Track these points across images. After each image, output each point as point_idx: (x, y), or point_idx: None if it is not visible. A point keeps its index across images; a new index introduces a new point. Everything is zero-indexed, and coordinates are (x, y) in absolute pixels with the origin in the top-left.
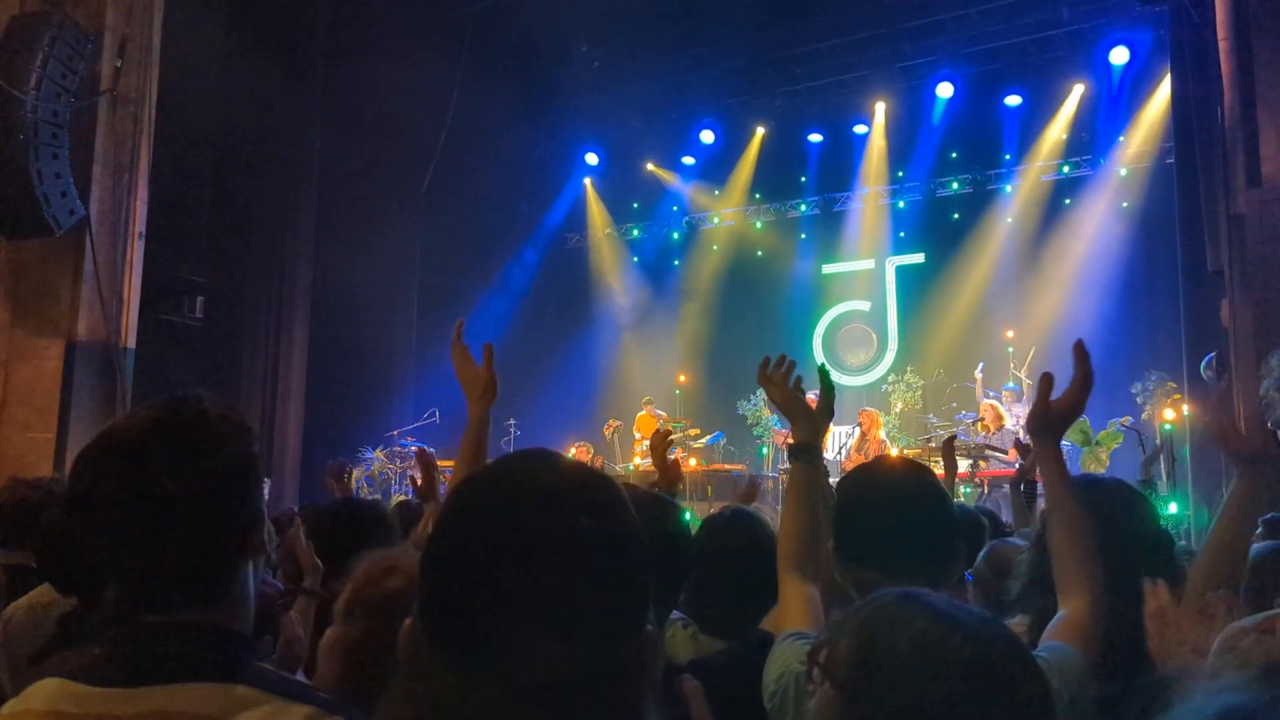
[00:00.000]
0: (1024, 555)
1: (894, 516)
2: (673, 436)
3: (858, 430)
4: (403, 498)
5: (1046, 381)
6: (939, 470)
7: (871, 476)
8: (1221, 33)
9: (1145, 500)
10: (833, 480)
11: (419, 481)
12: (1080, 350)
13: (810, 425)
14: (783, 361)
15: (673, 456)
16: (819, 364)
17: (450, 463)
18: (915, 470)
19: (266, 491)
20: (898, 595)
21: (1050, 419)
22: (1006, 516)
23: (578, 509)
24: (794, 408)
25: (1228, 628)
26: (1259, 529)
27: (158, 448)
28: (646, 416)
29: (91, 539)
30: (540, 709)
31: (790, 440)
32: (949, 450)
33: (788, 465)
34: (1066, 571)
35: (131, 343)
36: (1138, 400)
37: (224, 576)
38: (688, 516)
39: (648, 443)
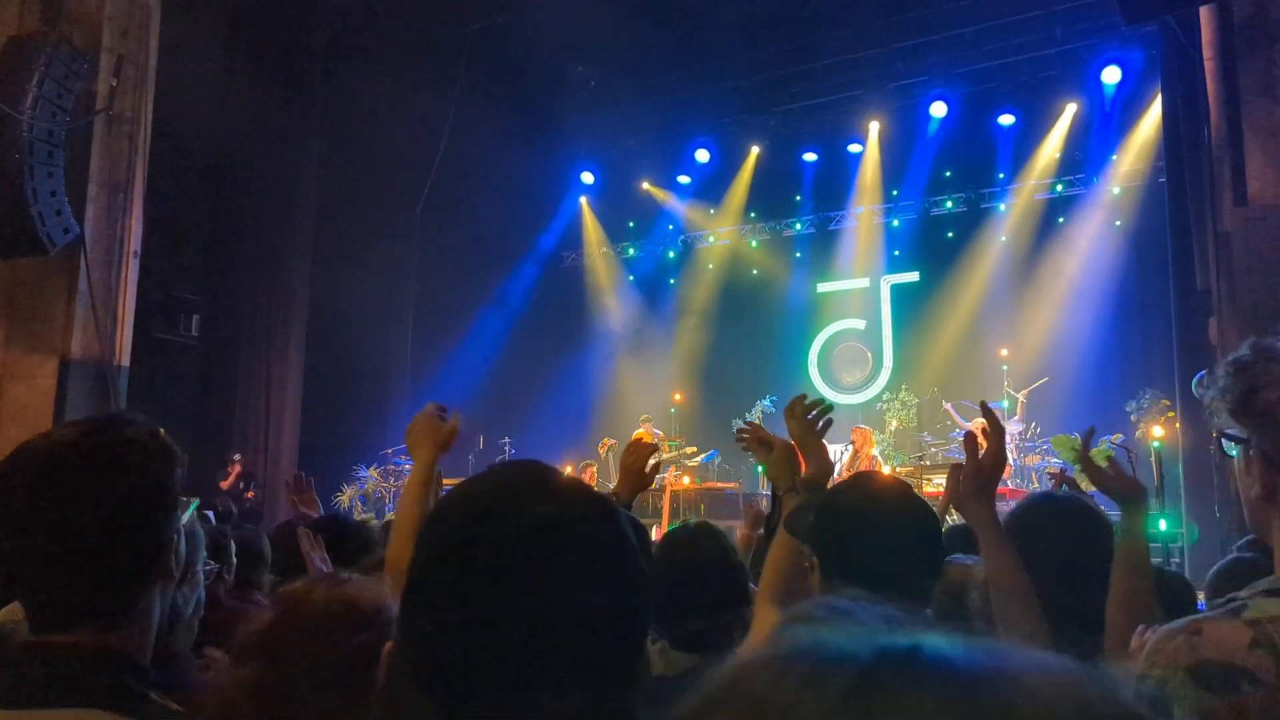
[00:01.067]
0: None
1: (876, 533)
2: (668, 455)
3: (850, 448)
4: (393, 517)
5: (971, 441)
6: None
7: (854, 492)
8: (1208, 53)
9: (1091, 510)
10: None
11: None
12: (984, 408)
13: (821, 466)
14: (817, 406)
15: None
16: (826, 401)
17: (446, 480)
18: (898, 487)
19: (187, 516)
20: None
21: (983, 479)
22: None
23: (578, 543)
24: (810, 444)
25: (1159, 630)
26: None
27: (66, 468)
28: (644, 435)
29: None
30: None
31: (790, 489)
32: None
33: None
34: (1013, 635)
35: (126, 361)
36: (1132, 418)
37: (125, 601)
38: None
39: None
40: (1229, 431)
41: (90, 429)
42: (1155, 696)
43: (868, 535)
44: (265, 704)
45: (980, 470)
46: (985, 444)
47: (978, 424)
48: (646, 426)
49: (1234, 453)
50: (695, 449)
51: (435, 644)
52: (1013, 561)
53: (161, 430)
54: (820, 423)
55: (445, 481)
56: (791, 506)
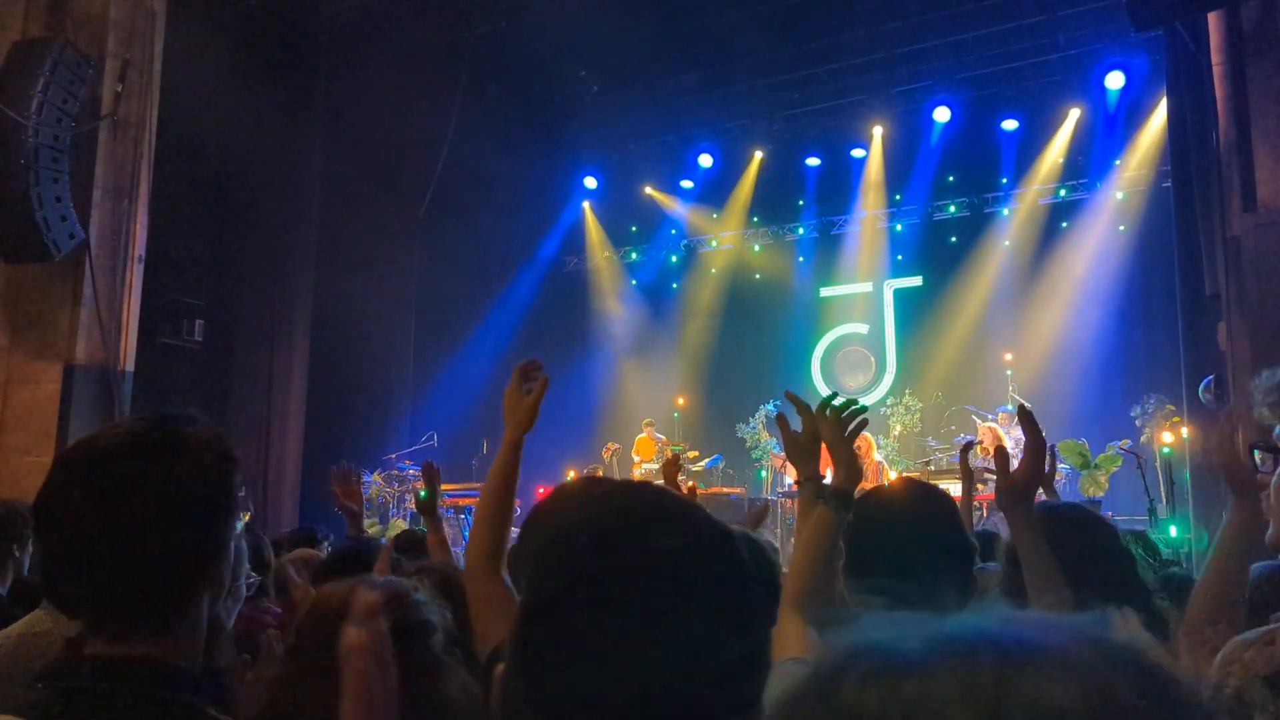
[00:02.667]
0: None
1: (904, 539)
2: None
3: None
4: (401, 523)
5: (1002, 458)
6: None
7: (883, 499)
8: (1216, 58)
9: (1101, 522)
10: None
11: (421, 494)
12: (1026, 416)
13: (852, 473)
14: (848, 409)
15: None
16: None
17: (450, 485)
18: (926, 493)
19: (241, 525)
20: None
21: (1016, 492)
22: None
23: (700, 577)
24: (840, 448)
25: (1230, 641)
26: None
27: (129, 463)
28: (646, 439)
29: (53, 554)
30: None
31: (810, 477)
32: (964, 459)
33: (792, 489)
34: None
35: (130, 366)
36: (1136, 423)
37: (178, 606)
38: None
39: (646, 465)
40: (1267, 445)
41: (153, 424)
42: (1234, 704)
43: (894, 548)
44: (290, 695)
45: (1013, 484)
46: (1033, 443)
47: (986, 429)
48: (649, 430)
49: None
50: (697, 453)
51: (552, 677)
52: (1052, 567)
53: (221, 433)
54: (851, 426)
55: (448, 486)
56: (819, 514)
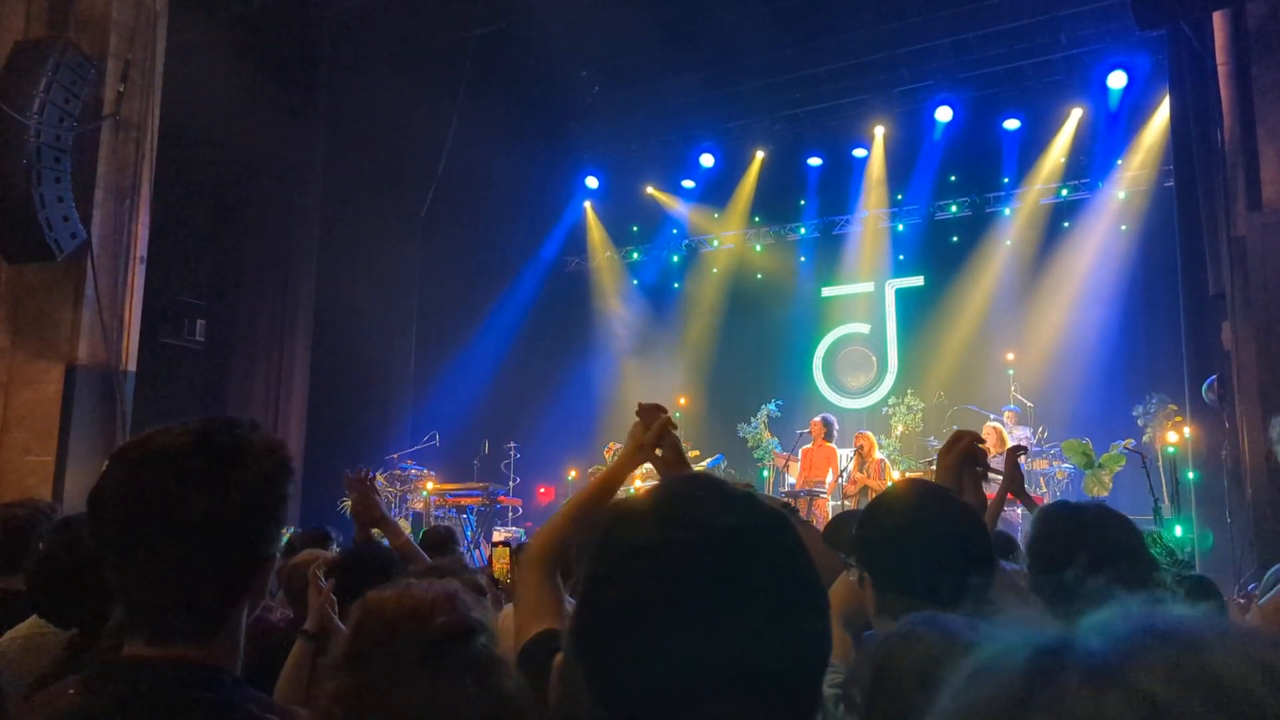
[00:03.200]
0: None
1: (923, 541)
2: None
3: (855, 453)
4: (405, 523)
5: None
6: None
7: (894, 501)
8: (1221, 58)
9: (1125, 524)
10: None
11: (361, 511)
12: (1010, 456)
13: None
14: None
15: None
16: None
17: (451, 485)
18: (936, 491)
19: (286, 539)
20: (917, 619)
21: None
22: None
23: (761, 553)
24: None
25: None
26: None
27: (195, 462)
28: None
29: (104, 543)
30: None
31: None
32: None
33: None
34: None
35: (132, 366)
36: (1139, 423)
37: (222, 611)
38: None
39: (645, 465)
40: None
41: (215, 429)
42: None
43: (913, 543)
44: (358, 705)
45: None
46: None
47: (990, 429)
48: None
49: None
50: (698, 452)
51: (614, 654)
52: None
53: (283, 442)
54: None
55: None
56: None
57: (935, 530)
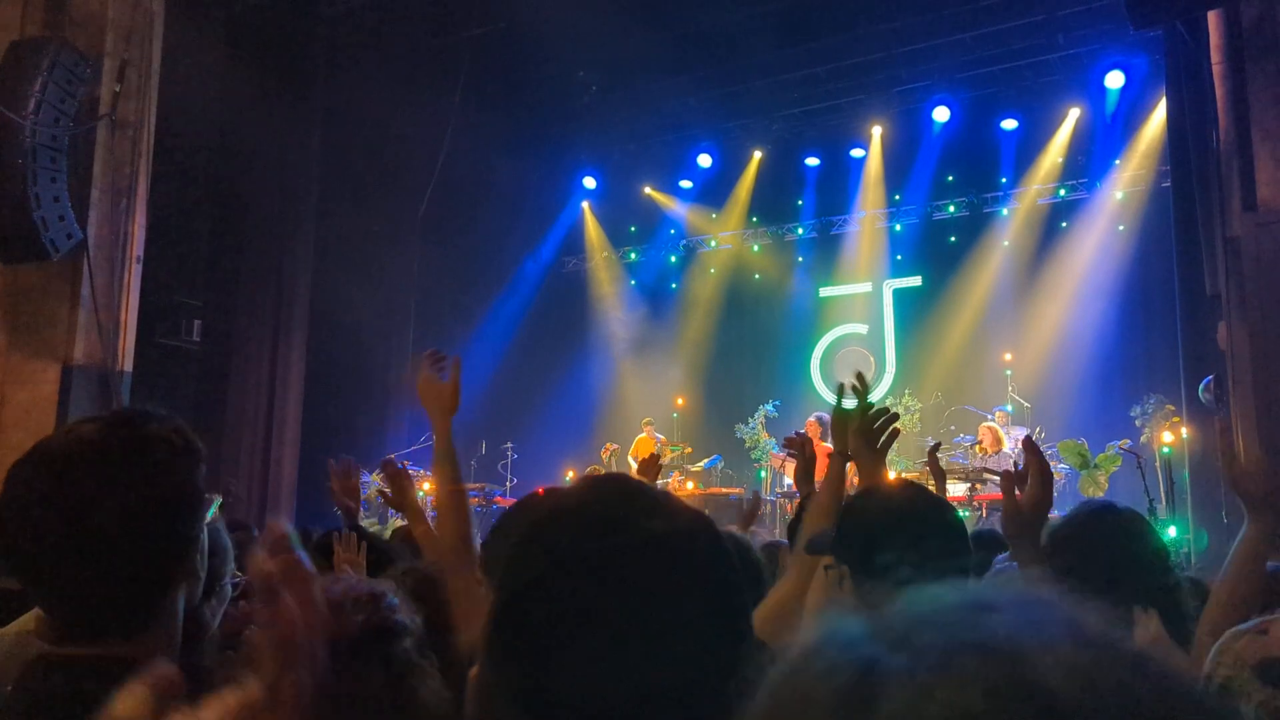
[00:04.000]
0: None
1: (902, 529)
2: (669, 459)
3: None
4: (400, 523)
5: (1008, 480)
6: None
7: (874, 495)
8: (1216, 58)
9: (1146, 525)
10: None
11: (388, 494)
12: (1031, 446)
13: (871, 476)
14: (886, 417)
15: (665, 478)
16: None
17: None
18: (912, 486)
19: (214, 511)
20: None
21: (1024, 521)
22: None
23: (688, 559)
24: (870, 460)
25: (1226, 633)
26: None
27: (89, 466)
28: (646, 439)
29: (14, 557)
30: None
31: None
32: (933, 459)
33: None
34: None
35: (128, 366)
36: (1136, 423)
37: (150, 603)
38: None
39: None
40: None
41: (111, 424)
42: (1222, 693)
43: (890, 534)
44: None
45: (1019, 511)
46: (1031, 478)
47: (986, 429)
48: (649, 430)
49: None
50: (691, 449)
51: (538, 660)
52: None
53: (183, 425)
54: (884, 436)
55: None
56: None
57: (913, 521)
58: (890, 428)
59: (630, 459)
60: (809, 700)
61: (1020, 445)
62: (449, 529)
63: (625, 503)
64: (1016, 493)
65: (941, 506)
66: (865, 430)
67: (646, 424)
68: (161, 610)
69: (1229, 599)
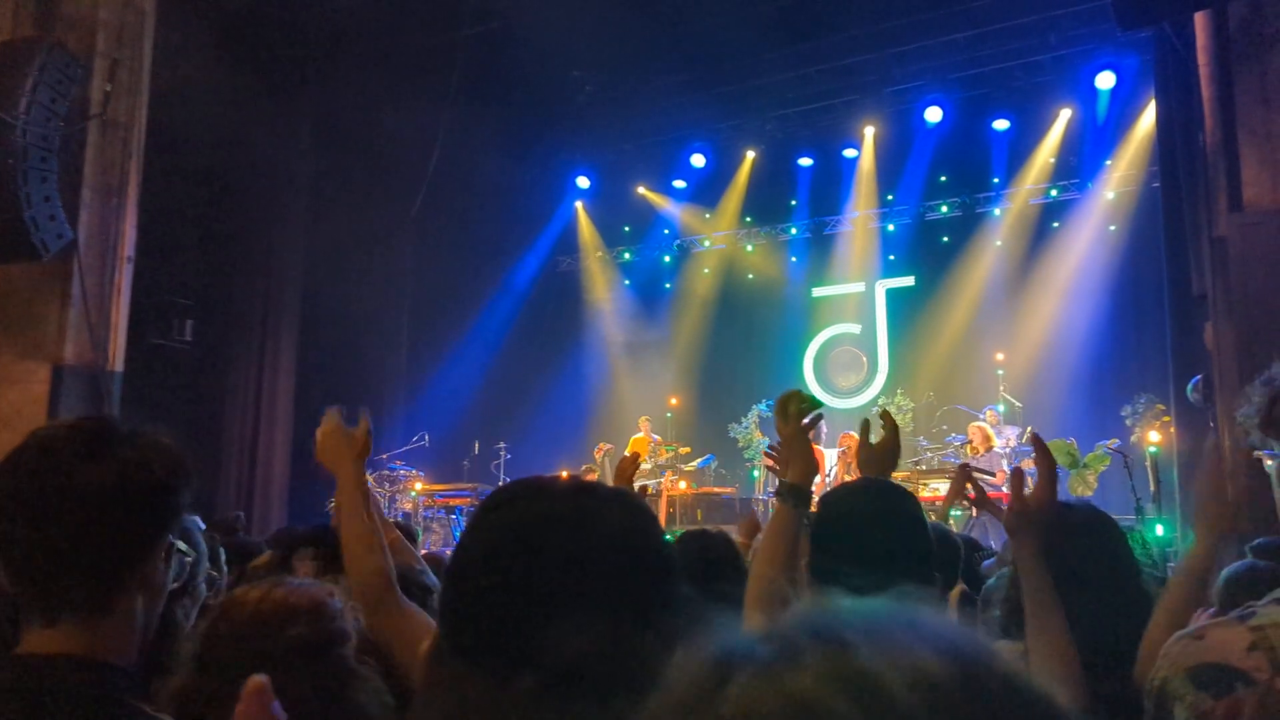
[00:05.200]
0: (998, 583)
1: (865, 539)
2: (665, 459)
3: (840, 455)
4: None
5: (1018, 478)
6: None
7: (848, 498)
8: (1202, 58)
9: (1112, 526)
10: None
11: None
12: (1037, 441)
13: (806, 468)
14: (806, 405)
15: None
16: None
17: (441, 485)
18: (892, 494)
19: (202, 544)
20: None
21: (1029, 517)
22: (990, 538)
23: (604, 503)
24: (797, 446)
25: (1170, 637)
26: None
27: (74, 442)
28: (642, 439)
29: None
30: (572, 697)
31: (779, 473)
32: (963, 476)
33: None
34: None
35: (119, 366)
36: (1127, 423)
37: (101, 598)
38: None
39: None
40: (1268, 451)
41: (105, 420)
42: (1158, 697)
43: (856, 547)
44: (194, 710)
45: (1026, 508)
46: (1039, 476)
47: (975, 428)
48: (645, 427)
49: (1270, 467)
50: (689, 449)
51: (472, 608)
52: (1051, 604)
53: (170, 440)
54: (807, 421)
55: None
56: (776, 512)
57: (878, 533)
58: (813, 414)
59: (595, 456)
60: (672, 686)
61: (1009, 445)
62: (371, 571)
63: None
64: (1025, 489)
65: (911, 525)
66: (795, 417)
67: (644, 421)
68: (115, 609)
69: (1169, 622)
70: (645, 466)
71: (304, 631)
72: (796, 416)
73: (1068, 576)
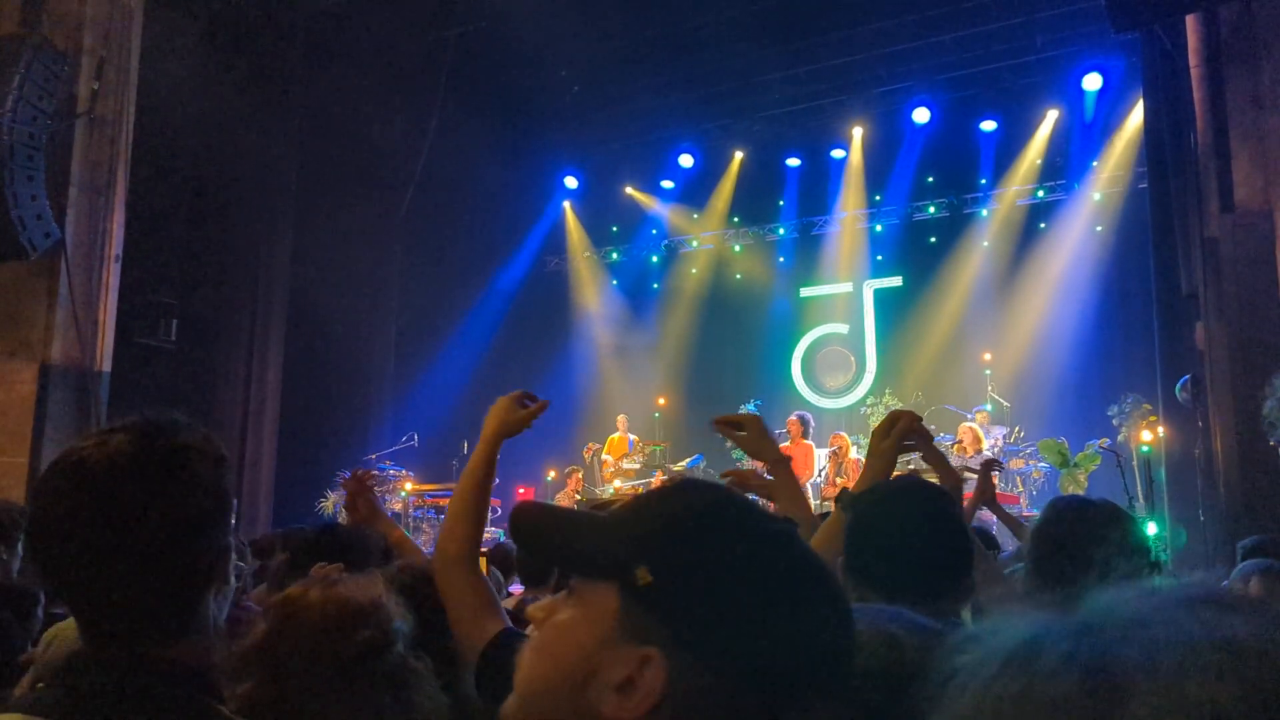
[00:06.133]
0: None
1: (903, 541)
2: (650, 460)
3: (831, 456)
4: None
5: (988, 467)
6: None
7: (887, 496)
8: (1194, 60)
9: (1125, 517)
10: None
11: (357, 508)
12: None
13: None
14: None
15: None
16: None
17: (430, 485)
18: (933, 494)
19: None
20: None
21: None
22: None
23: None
24: (889, 460)
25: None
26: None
27: (131, 483)
28: (620, 438)
29: (55, 570)
30: None
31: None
32: (987, 471)
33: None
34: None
35: (106, 366)
36: (1114, 422)
37: (188, 610)
38: None
39: (621, 464)
40: None
41: (146, 438)
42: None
43: (892, 548)
44: (272, 713)
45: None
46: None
47: (965, 429)
48: (622, 425)
49: None
50: (664, 445)
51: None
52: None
53: (210, 433)
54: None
55: (424, 487)
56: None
57: (917, 536)
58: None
59: (605, 455)
60: (1037, 701)
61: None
62: (460, 536)
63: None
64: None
65: (951, 528)
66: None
67: (621, 420)
68: (197, 616)
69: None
70: (628, 466)
71: (373, 634)
72: (899, 435)
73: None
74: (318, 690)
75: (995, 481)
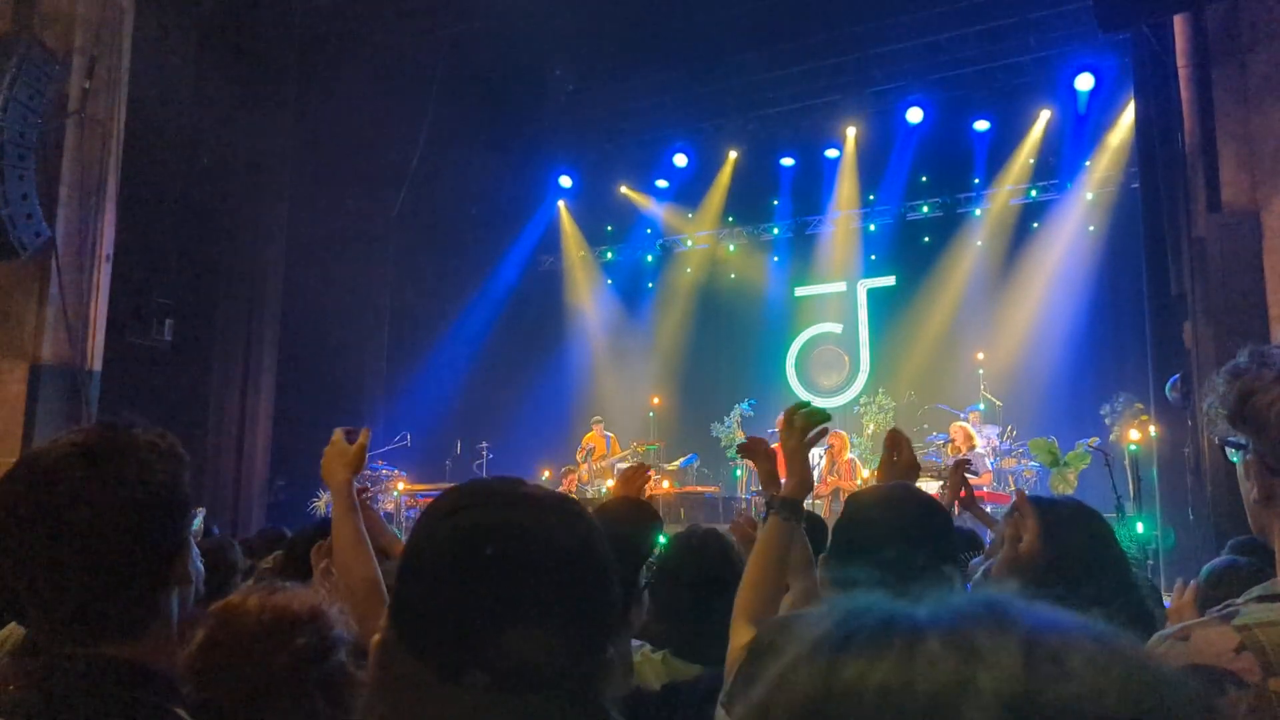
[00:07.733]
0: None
1: (886, 544)
2: (619, 455)
3: (826, 453)
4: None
5: (959, 469)
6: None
7: (873, 501)
8: (1181, 60)
9: (1099, 520)
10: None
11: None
12: (1025, 503)
13: (801, 482)
14: (816, 418)
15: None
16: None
17: (423, 485)
18: (918, 499)
19: (200, 520)
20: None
21: (1019, 568)
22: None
23: (546, 513)
24: (797, 457)
25: (1152, 638)
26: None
27: (76, 474)
28: (593, 435)
29: (6, 565)
30: (518, 700)
31: (771, 484)
32: (958, 472)
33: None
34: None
35: (97, 366)
36: (1106, 421)
37: (142, 608)
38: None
39: (616, 462)
40: (1230, 439)
41: (97, 434)
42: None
43: (875, 551)
44: None
45: (1016, 560)
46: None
47: (957, 428)
48: (598, 428)
49: (1236, 459)
50: (645, 444)
51: (424, 606)
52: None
53: (167, 432)
54: (812, 435)
55: (417, 486)
56: (768, 523)
57: (900, 539)
58: (820, 427)
59: (578, 457)
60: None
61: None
62: (357, 573)
63: (494, 497)
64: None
65: (937, 532)
66: (801, 428)
67: (596, 423)
68: (157, 613)
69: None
70: (621, 466)
71: (309, 641)
72: (801, 430)
73: (1059, 569)
74: (251, 696)
75: (966, 479)
